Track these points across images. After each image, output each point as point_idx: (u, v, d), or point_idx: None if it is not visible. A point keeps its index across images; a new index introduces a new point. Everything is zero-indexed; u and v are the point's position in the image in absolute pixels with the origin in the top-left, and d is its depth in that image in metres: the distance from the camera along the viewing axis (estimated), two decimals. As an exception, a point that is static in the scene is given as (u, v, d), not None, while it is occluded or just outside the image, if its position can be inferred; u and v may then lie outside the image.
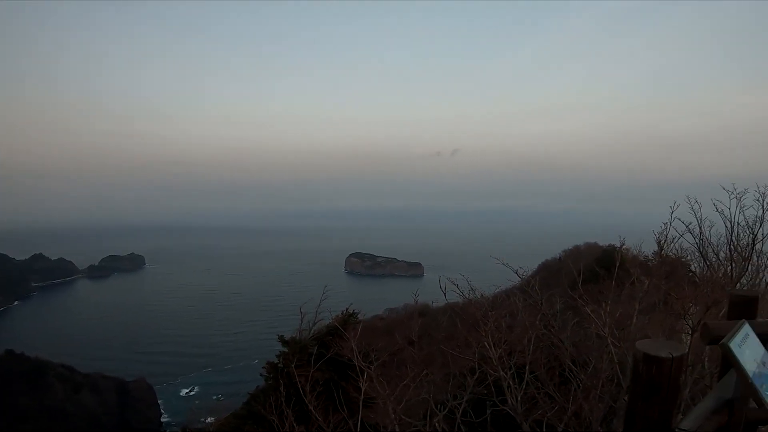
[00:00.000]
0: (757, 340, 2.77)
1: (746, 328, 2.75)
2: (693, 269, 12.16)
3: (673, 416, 2.48)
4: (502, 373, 7.52)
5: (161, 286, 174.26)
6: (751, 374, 2.47)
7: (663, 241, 8.94)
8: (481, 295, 10.40)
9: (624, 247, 12.28)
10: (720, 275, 10.05)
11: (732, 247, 9.78)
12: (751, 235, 9.79)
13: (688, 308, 7.48)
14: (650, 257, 13.18)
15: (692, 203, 10.15)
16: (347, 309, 13.16)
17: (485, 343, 7.78)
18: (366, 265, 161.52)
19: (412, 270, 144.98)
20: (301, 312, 11.54)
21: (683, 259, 11.94)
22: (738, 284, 9.72)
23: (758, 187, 9.50)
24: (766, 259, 10.00)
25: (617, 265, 8.61)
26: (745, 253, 9.72)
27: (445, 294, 9.51)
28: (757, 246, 9.86)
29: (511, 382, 7.46)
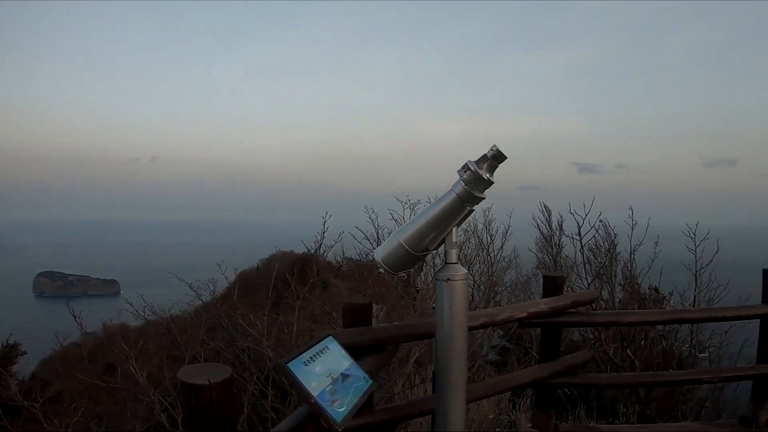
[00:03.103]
0: (341, 352, 2.66)
1: (327, 342, 2.62)
2: (381, 272, 12.94)
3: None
4: (153, 396, 7.05)
5: None
6: (319, 391, 2.32)
7: (317, 249, 9.36)
8: (154, 313, 9.76)
9: (316, 254, 12.58)
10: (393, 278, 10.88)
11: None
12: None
13: (334, 312, 7.69)
14: (341, 262, 13.70)
15: (370, 213, 10.90)
16: (7, 341, 11.67)
17: (131, 368, 7.24)
18: (57, 285, 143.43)
19: (108, 288, 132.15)
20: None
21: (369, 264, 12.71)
22: (410, 285, 10.62)
23: (428, 198, 10.47)
24: (431, 259, 10.97)
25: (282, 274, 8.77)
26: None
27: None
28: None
29: (167, 404, 7.03)
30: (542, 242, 10.71)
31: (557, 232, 10.39)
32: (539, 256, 10.84)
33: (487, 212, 11.21)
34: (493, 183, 2.71)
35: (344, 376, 2.56)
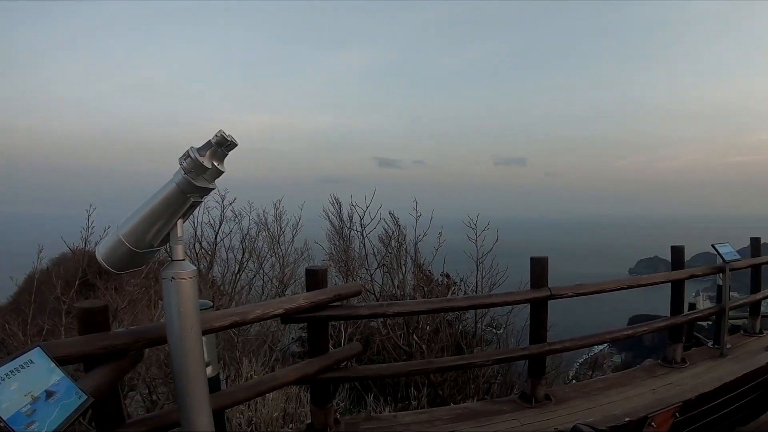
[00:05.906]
0: (48, 365, 2.34)
1: (32, 354, 2.33)
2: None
3: None
4: None
5: None
6: (12, 413, 2.05)
7: (82, 245, 8.87)
8: None
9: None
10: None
11: (199, 244, 10.49)
12: (215, 233, 10.81)
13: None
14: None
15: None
16: None
17: None
18: None
19: None
20: None
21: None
22: (208, 277, 10.50)
23: (218, 191, 10.26)
24: (225, 252, 10.94)
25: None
26: (210, 249, 10.53)
27: None
28: (225, 241, 11.01)
29: None
30: (333, 234, 10.89)
31: (347, 224, 10.60)
32: (329, 248, 10.98)
33: (278, 204, 11.32)
34: (222, 172, 2.54)
35: (49, 393, 2.29)
